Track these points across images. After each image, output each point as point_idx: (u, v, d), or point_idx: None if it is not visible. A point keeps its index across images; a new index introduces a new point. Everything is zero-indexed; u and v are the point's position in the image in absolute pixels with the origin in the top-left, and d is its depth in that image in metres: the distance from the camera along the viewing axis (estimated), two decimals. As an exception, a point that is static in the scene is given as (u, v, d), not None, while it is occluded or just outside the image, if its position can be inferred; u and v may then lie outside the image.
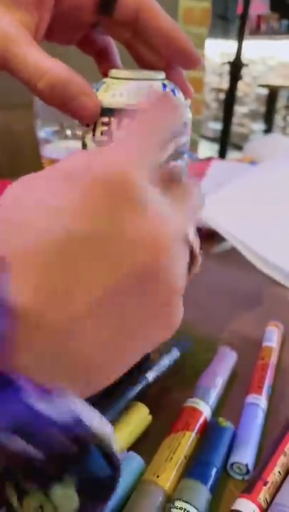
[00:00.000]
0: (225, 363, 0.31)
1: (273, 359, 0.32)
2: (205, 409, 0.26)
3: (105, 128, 0.26)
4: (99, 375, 0.16)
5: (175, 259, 0.17)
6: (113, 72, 0.27)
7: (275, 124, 3.95)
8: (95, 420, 0.14)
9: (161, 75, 0.27)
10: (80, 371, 0.15)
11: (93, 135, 0.27)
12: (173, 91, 0.28)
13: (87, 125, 0.27)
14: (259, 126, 4.04)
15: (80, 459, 0.14)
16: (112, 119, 0.26)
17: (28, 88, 0.24)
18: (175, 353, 0.31)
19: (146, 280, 0.16)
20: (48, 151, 0.47)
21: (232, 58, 1.24)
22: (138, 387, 0.26)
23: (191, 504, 0.20)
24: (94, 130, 0.26)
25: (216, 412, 0.27)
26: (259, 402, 0.27)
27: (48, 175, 0.17)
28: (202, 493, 0.20)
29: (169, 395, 0.29)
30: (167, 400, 0.28)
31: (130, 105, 0.25)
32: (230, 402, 0.29)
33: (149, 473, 0.22)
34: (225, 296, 0.42)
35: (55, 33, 0.28)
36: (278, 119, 3.98)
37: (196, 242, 0.20)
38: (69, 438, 0.13)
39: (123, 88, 0.26)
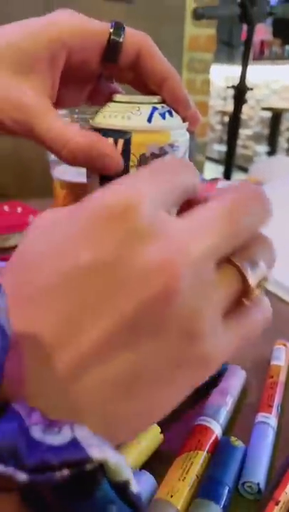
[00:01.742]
0: (234, 382, 0.31)
1: (282, 378, 0.32)
2: (216, 428, 0.26)
3: None
4: (117, 424, 0.15)
5: (200, 287, 0.15)
6: (114, 96, 0.30)
7: (279, 146, 4.00)
8: (97, 445, 0.13)
9: (156, 98, 0.30)
10: (98, 411, 0.15)
11: None
12: (170, 112, 0.30)
13: None
14: (263, 148, 4.09)
15: (90, 492, 0.12)
16: (108, 138, 0.28)
17: (52, 153, 0.27)
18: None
19: (158, 311, 0.14)
20: (58, 172, 0.48)
21: (236, 82, 1.26)
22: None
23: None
24: None
25: (227, 430, 0.27)
26: (269, 421, 0.27)
27: (65, 211, 0.17)
28: (217, 507, 0.20)
29: (179, 414, 0.29)
30: (178, 419, 0.28)
31: (116, 126, 0.28)
32: (240, 421, 0.29)
33: (162, 492, 0.22)
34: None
35: (66, 93, 0.30)
36: (282, 141, 4.03)
37: (252, 269, 0.17)
38: (61, 460, 0.12)
39: (116, 110, 0.29)
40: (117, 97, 0.31)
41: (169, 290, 0.14)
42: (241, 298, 0.17)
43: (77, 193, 0.47)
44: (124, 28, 0.28)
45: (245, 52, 1.25)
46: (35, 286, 0.15)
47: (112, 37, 0.27)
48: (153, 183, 0.16)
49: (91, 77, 0.30)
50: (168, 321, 0.15)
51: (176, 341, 0.15)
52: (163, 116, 0.30)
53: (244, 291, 0.17)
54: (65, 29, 0.25)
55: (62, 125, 0.26)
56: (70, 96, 0.31)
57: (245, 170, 3.64)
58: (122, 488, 0.13)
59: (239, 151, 3.62)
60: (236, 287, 0.17)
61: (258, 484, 0.23)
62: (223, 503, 0.21)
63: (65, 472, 0.12)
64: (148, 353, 0.15)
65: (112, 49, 0.27)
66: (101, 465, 0.12)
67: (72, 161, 0.27)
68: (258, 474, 0.23)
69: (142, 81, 0.30)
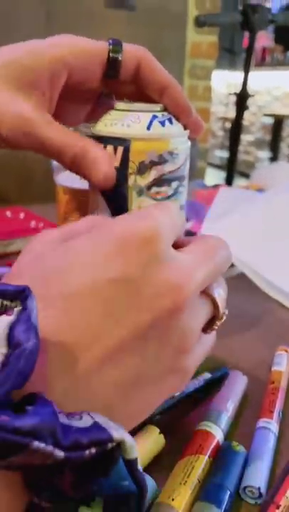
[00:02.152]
0: (236, 387, 0.31)
1: (283, 383, 0.32)
2: (217, 433, 0.26)
3: None
4: (118, 418, 0.17)
5: (193, 310, 0.19)
6: (117, 104, 0.31)
7: (281, 152, 4.01)
8: (114, 427, 0.14)
9: (158, 107, 0.30)
10: (101, 409, 0.16)
11: None
12: (170, 120, 0.30)
13: None
14: (265, 154, 4.10)
15: (106, 466, 0.14)
16: (108, 146, 0.29)
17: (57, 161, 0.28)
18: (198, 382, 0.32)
19: (166, 323, 0.18)
20: (61, 178, 0.48)
21: (238, 89, 1.27)
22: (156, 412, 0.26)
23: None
24: None
25: (228, 435, 0.28)
26: (270, 426, 0.27)
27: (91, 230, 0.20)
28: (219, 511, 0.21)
29: (180, 418, 0.29)
30: (179, 423, 0.29)
31: (115, 133, 0.29)
32: (241, 426, 0.29)
33: (164, 496, 0.22)
34: (234, 321, 0.42)
35: (66, 113, 0.30)
36: (284, 147, 4.04)
37: (221, 300, 0.22)
38: (89, 440, 0.14)
39: (116, 118, 0.29)
40: (118, 104, 0.31)
41: (177, 306, 0.18)
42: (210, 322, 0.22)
43: (80, 199, 0.48)
44: (121, 44, 0.29)
45: (246, 59, 1.26)
46: (66, 291, 0.17)
47: (111, 54, 0.28)
48: (166, 218, 0.19)
49: (92, 96, 0.31)
50: (171, 333, 0.18)
51: (172, 352, 0.19)
52: (162, 123, 0.30)
53: (215, 316, 0.22)
54: (66, 50, 0.26)
55: (60, 132, 0.26)
56: (70, 116, 0.32)
57: (246, 176, 3.65)
58: (132, 466, 0.15)
59: (241, 157, 3.63)
60: (210, 313, 0.21)
61: (259, 489, 0.23)
62: (224, 507, 0.21)
63: (93, 450, 0.14)
64: (151, 359, 0.18)
65: (112, 66, 0.28)
66: (118, 444, 0.14)
67: (72, 167, 0.28)
68: (259, 479, 0.23)
69: (143, 93, 0.31)
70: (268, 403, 0.30)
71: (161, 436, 0.25)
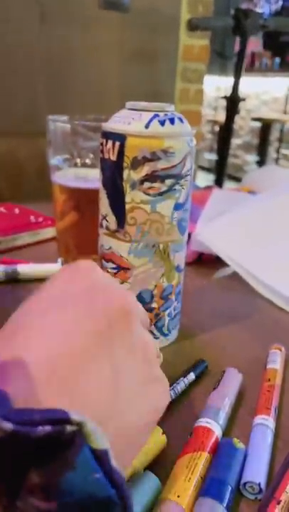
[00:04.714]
0: (232, 384, 0.31)
1: (278, 381, 0.32)
2: (217, 430, 0.26)
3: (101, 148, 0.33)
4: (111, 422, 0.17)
5: (141, 327, 0.22)
6: (127, 103, 0.32)
7: (268, 155, 4.05)
8: (76, 412, 0.14)
9: (167, 107, 0.32)
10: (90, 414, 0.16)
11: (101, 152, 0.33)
12: (171, 120, 0.31)
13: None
14: (253, 157, 4.14)
15: (72, 460, 0.14)
16: (108, 140, 0.31)
17: None
18: (191, 376, 0.32)
19: (124, 327, 0.20)
20: (57, 177, 0.48)
21: (227, 92, 1.28)
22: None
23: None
24: (102, 151, 0.33)
25: (225, 432, 0.28)
26: (268, 422, 0.28)
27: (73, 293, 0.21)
28: (221, 507, 0.21)
29: (178, 415, 0.29)
30: (177, 420, 0.29)
31: (116, 130, 0.31)
32: (238, 422, 0.29)
33: (169, 492, 0.22)
34: (227, 320, 0.43)
35: None
36: (271, 151, 4.08)
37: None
38: (42, 417, 0.13)
39: (123, 116, 0.32)
40: (128, 104, 0.32)
41: (126, 309, 0.21)
42: None
43: (76, 198, 0.48)
44: None
45: (238, 64, 1.27)
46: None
47: None
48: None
49: None
50: (134, 341, 0.20)
51: (142, 363, 0.20)
52: (162, 123, 0.31)
53: None
54: None
55: None
56: None
57: (234, 179, 3.68)
58: (102, 459, 0.14)
59: (229, 160, 3.67)
60: None
61: (259, 484, 0.23)
62: (226, 502, 0.22)
63: (47, 428, 0.13)
64: (124, 369, 0.19)
65: None
66: (80, 430, 0.14)
67: None
68: (259, 475, 0.24)
69: None
70: (264, 400, 0.30)
71: (164, 436, 0.25)
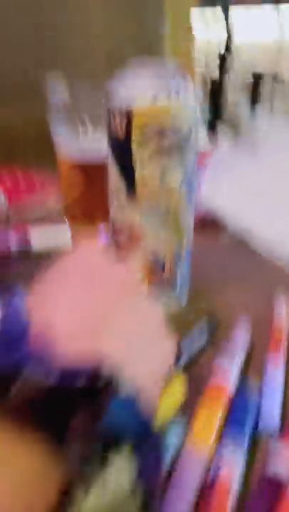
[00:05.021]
0: (244, 335, 0.34)
1: (285, 329, 0.35)
2: (232, 376, 0.30)
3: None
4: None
5: None
6: (129, 73, 0.33)
7: (261, 109, 3.98)
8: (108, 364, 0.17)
9: (173, 72, 0.33)
10: None
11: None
12: (177, 92, 0.32)
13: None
14: (245, 110, 4.06)
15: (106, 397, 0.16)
16: (116, 117, 0.32)
17: None
18: (203, 333, 0.35)
19: None
20: (62, 149, 0.50)
21: (220, 46, 1.26)
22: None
23: (236, 461, 0.23)
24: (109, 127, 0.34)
25: (242, 372, 0.31)
26: (278, 366, 0.31)
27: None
28: (241, 449, 0.24)
29: (195, 369, 0.32)
30: (195, 373, 0.32)
31: (127, 106, 0.32)
32: (252, 364, 0.32)
33: (194, 435, 0.25)
34: (233, 279, 0.45)
35: None
36: (264, 104, 4.00)
37: None
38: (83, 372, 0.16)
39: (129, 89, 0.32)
40: (131, 73, 0.33)
41: (130, 281, 0.24)
42: None
43: (83, 169, 0.49)
44: None
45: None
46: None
47: None
48: None
49: None
50: (140, 305, 0.23)
51: (148, 323, 0.23)
52: (168, 96, 0.32)
53: None
54: None
55: None
56: None
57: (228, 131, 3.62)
58: (131, 402, 0.17)
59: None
60: None
61: (275, 421, 0.26)
62: (246, 442, 0.25)
63: (86, 381, 0.16)
64: (135, 329, 0.22)
65: None
66: (111, 380, 0.17)
67: None
68: (275, 412, 0.27)
69: None
70: (274, 346, 0.33)
71: (184, 385, 0.28)
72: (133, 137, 0.32)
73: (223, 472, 0.23)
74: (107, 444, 0.16)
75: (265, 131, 0.73)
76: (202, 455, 0.24)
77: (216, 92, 1.36)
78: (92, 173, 0.49)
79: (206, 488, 0.22)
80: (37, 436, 0.16)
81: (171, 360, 0.24)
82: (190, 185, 0.35)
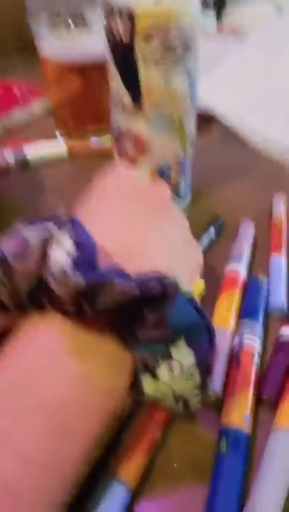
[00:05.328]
0: (248, 233, 0.37)
1: (284, 225, 0.39)
2: (243, 270, 0.33)
3: None
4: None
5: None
6: None
7: None
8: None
9: None
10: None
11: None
12: None
13: None
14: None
15: (172, 297, 0.19)
16: (116, 19, 0.31)
17: None
18: (211, 231, 0.38)
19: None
20: (42, 48, 0.46)
21: None
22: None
23: (255, 335, 0.28)
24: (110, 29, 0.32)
25: (249, 271, 0.35)
26: (281, 259, 0.35)
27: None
28: (259, 327, 0.29)
29: (208, 264, 0.36)
30: (208, 268, 0.35)
31: (124, 4, 0.30)
32: (257, 262, 0.36)
33: (216, 321, 0.29)
34: (231, 176, 0.47)
35: None
36: None
37: None
38: (153, 276, 0.19)
39: None
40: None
41: (164, 195, 0.27)
42: None
43: (68, 69, 0.47)
44: None
45: None
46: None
47: None
48: None
49: None
50: (173, 216, 0.27)
51: (182, 231, 0.27)
52: None
53: None
54: None
55: None
56: None
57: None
58: (191, 299, 0.20)
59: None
60: None
61: (282, 304, 0.31)
62: (261, 320, 0.29)
63: (157, 285, 0.19)
64: (173, 239, 0.25)
65: None
66: (175, 283, 0.19)
67: None
68: (281, 298, 0.31)
69: None
70: (275, 242, 0.37)
71: (202, 281, 0.32)
72: (137, 40, 0.31)
73: (246, 341, 0.28)
74: (173, 333, 0.20)
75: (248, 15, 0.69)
76: (227, 330, 0.29)
77: None
78: (82, 75, 0.47)
79: (234, 355, 0.27)
80: (115, 331, 0.20)
81: (202, 260, 0.28)
82: (193, 89, 0.35)
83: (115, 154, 0.39)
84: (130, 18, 0.30)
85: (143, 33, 0.31)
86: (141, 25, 0.30)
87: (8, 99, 0.58)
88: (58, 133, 0.53)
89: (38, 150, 0.50)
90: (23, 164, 0.49)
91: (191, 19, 0.31)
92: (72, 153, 0.50)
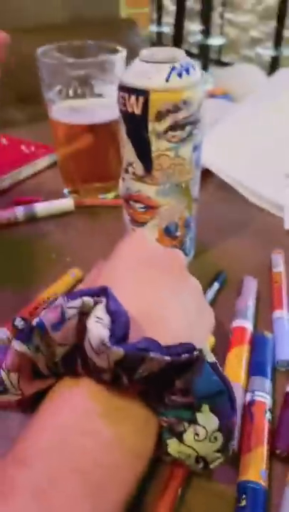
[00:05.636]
0: (251, 290, 0.40)
1: (284, 281, 0.41)
2: (249, 327, 0.35)
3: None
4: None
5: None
6: (141, 53, 0.35)
7: (213, 22, 3.80)
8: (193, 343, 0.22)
9: (179, 53, 0.35)
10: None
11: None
12: (187, 70, 0.34)
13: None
14: (196, 26, 3.87)
15: (198, 368, 0.21)
16: (131, 95, 0.34)
17: None
18: (215, 286, 0.40)
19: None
20: (54, 113, 0.50)
21: None
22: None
23: (266, 392, 0.30)
24: (124, 104, 0.36)
25: (254, 326, 0.37)
26: (284, 315, 0.37)
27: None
28: (267, 384, 0.30)
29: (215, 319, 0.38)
30: (216, 321, 0.37)
31: (139, 86, 0.34)
32: (261, 318, 0.38)
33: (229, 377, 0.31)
34: (231, 232, 0.50)
35: None
36: (215, 17, 3.82)
37: None
38: (182, 349, 0.21)
39: (141, 70, 0.34)
40: (142, 54, 0.34)
41: (181, 264, 0.30)
42: None
43: (75, 131, 0.50)
44: None
45: None
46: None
47: None
48: None
49: None
50: (190, 284, 0.29)
51: (197, 299, 0.29)
52: (180, 75, 0.34)
53: None
54: None
55: None
56: None
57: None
58: (215, 367, 0.22)
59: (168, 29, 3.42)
60: None
61: (288, 359, 0.33)
62: (270, 377, 0.31)
63: (186, 355, 0.20)
64: (189, 306, 0.27)
65: None
66: (201, 352, 0.21)
67: None
68: (286, 353, 0.33)
69: None
70: (277, 299, 0.39)
71: (213, 338, 0.34)
72: (150, 114, 0.34)
73: (258, 398, 0.29)
74: (198, 400, 0.22)
75: (240, 75, 0.74)
76: (239, 385, 0.31)
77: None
78: (91, 135, 0.50)
79: (247, 411, 0.29)
80: (145, 397, 0.22)
81: (214, 321, 0.30)
82: (198, 154, 0.38)
83: (124, 215, 0.42)
84: (145, 97, 0.34)
85: (155, 111, 0.34)
86: (153, 103, 0.34)
87: (17, 155, 0.61)
88: (65, 190, 0.55)
89: (46, 206, 0.52)
90: (32, 218, 0.51)
91: (197, 95, 0.35)
92: (78, 207, 0.53)
